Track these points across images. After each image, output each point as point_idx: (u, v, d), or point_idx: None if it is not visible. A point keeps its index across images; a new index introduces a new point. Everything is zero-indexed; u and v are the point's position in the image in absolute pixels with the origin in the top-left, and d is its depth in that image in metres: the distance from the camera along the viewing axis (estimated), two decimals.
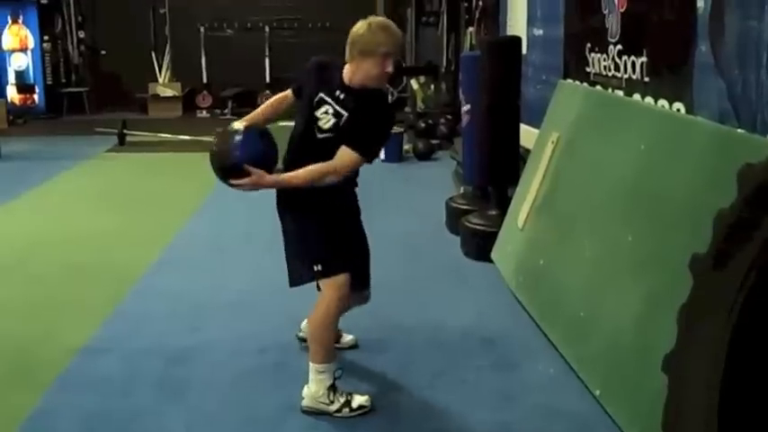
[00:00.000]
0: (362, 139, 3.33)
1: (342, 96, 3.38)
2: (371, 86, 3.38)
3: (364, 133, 3.35)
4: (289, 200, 3.50)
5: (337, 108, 3.37)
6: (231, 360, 4.00)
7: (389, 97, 3.65)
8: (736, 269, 2.00)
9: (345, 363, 3.82)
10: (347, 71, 3.39)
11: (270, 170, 3.39)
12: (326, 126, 3.38)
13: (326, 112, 3.39)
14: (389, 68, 3.33)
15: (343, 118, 3.36)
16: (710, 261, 2.07)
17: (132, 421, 3.42)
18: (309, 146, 3.41)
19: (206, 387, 3.72)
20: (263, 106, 3.75)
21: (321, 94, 3.41)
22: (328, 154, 3.32)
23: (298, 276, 3.59)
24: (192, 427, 3.39)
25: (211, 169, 3.47)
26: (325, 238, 3.45)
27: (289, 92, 3.66)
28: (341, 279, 3.42)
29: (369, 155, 3.37)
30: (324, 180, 3.32)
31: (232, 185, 3.39)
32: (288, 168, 3.40)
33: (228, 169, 3.39)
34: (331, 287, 3.42)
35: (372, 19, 3.39)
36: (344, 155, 3.31)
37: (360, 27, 3.34)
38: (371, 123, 3.39)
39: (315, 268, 3.43)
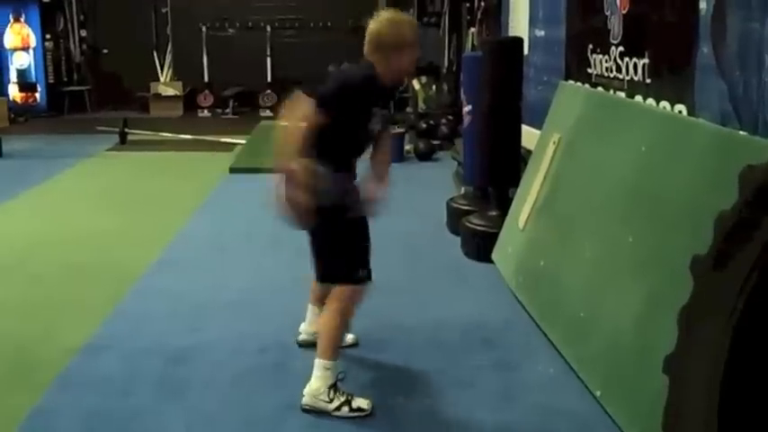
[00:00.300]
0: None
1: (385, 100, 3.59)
2: (402, 77, 3.49)
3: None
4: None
5: (384, 111, 3.55)
6: (231, 360, 4.00)
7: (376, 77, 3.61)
8: (736, 270, 2.00)
9: (346, 361, 3.82)
10: (383, 72, 3.43)
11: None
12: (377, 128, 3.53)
13: (377, 120, 3.51)
14: (417, 54, 3.49)
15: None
16: (711, 262, 2.07)
17: (132, 421, 3.42)
18: (363, 147, 3.58)
19: (206, 387, 3.72)
20: (298, 140, 3.26)
21: (374, 108, 3.49)
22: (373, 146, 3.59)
23: (331, 275, 3.59)
24: (192, 426, 3.39)
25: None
26: (356, 239, 3.51)
27: (308, 108, 3.27)
28: (367, 285, 3.51)
29: (316, 96, 3.28)
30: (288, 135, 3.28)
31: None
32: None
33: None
34: (355, 289, 3.48)
35: (385, 15, 3.48)
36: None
37: (381, 26, 3.41)
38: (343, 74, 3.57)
39: (359, 273, 3.48)
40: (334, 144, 3.37)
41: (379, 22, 3.41)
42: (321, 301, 3.92)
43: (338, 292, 3.50)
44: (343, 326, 3.52)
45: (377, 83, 3.44)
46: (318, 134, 3.27)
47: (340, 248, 3.53)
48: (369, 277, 3.51)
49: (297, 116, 3.26)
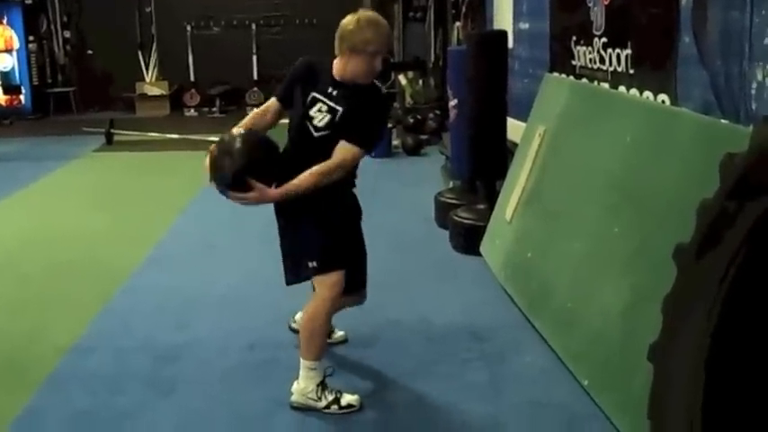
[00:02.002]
0: (360, 132, 3.34)
1: (334, 93, 3.38)
2: (361, 82, 3.38)
3: (362, 125, 3.34)
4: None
5: (330, 104, 3.37)
6: (220, 357, 4.00)
7: (382, 88, 3.62)
8: (719, 258, 2.01)
9: (335, 358, 3.84)
10: (337, 65, 3.39)
11: (273, 177, 3.33)
12: (321, 124, 3.37)
13: (320, 110, 3.38)
14: (378, 66, 3.35)
15: (338, 113, 3.35)
16: (694, 251, 2.09)
17: (122, 419, 3.42)
18: (307, 146, 3.41)
19: (195, 384, 3.72)
20: (246, 120, 3.58)
21: (313, 93, 3.40)
22: (327, 152, 3.32)
23: (293, 274, 3.59)
24: (182, 424, 3.39)
25: (210, 178, 3.36)
26: (320, 235, 3.43)
27: (271, 102, 3.59)
28: (335, 278, 3.42)
29: (368, 146, 3.38)
30: (331, 178, 3.30)
31: (233, 198, 3.32)
32: (288, 170, 3.35)
33: (231, 180, 3.28)
34: (324, 286, 3.42)
35: (361, 14, 3.38)
36: (344, 150, 3.31)
37: (349, 22, 3.33)
38: (368, 115, 3.39)
39: (310, 265, 3.42)
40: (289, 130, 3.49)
41: (350, 17, 3.36)
42: None
43: (316, 294, 3.47)
44: (323, 325, 3.46)
45: (317, 69, 3.45)
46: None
47: (290, 246, 3.53)
48: (331, 266, 3.40)
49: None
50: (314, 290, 3.49)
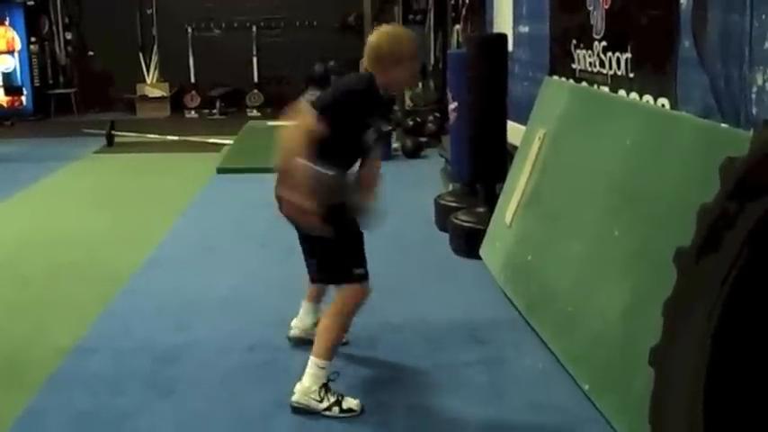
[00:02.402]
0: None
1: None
2: (401, 89, 3.54)
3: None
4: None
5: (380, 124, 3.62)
6: (220, 358, 4.00)
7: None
8: (719, 262, 2.02)
9: (336, 360, 3.83)
10: (381, 84, 3.46)
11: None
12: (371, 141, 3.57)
13: (374, 131, 3.57)
14: (417, 68, 3.56)
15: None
16: (694, 254, 2.09)
17: (122, 420, 3.42)
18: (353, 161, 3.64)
19: (195, 385, 3.73)
20: (299, 142, 3.27)
21: (371, 120, 3.53)
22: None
23: (328, 275, 3.63)
24: (182, 425, 3.39)
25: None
26: (353, 240, 3.52)
27: (310, 118, 3.29)
28: (367, 284, 3.51)
29: (317, 108, 3.32)
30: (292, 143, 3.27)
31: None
32: None
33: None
34: (355, 289, 3.48)
35: (385, 28, 3.58)
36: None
37: (381, 41, 3.47)
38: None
39: (356, 271, 3.49)
40: (330, 153, 3.34)
41: (378, 34, 3.49)
42: (317, 299, 3.94)
43: (339, 295, 3.52)
44: (344, 328, 3.54)
45: (375, 94, 3.48)
46: (317, 143, 3.28)
47: (335, 247, 3.52)
48: (365, 276, 3.51)
49: (298, 122, 3.28)
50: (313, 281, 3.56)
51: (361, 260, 3.53)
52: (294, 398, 3.44)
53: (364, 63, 3.53)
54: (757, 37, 3.11)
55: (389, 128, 3.49)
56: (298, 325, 4.03)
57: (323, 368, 3.43)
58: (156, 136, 10.89)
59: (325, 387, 3.43)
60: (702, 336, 2.02)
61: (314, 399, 3.41)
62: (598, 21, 4.80)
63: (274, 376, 3.75)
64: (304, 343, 3.81)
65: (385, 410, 3.49)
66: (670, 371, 2.15)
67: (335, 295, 3.56)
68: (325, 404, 3.41)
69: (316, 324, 3.77)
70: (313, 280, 3.82)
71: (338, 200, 3.38)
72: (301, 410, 3.41)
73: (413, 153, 9.70)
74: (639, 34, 4.28)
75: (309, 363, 3.45)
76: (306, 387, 3.43)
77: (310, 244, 3.59)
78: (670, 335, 2.15)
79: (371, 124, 3.52)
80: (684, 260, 2.12)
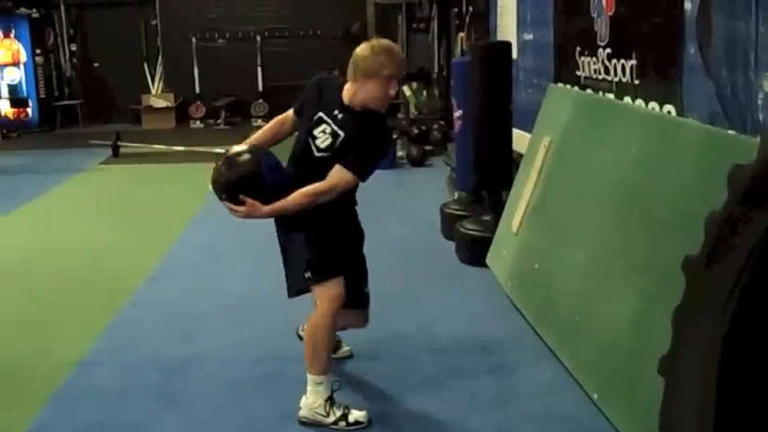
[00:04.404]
0: (357, 160, 3.33)
1: (340, 116, 3.39)
2: (373, 108, 3.39)
3: (360, 154, 3.34)
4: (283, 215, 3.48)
5: (334, 128, 3.38)
6: (227, 369, 4.00)
7: (386, 119, 3.64)
8: (728, 270, 2.01)
9: (342, 371, 3.83)
10: (347, 91, 3.40)
11: (270, 194, 3.33)
12: (323, 145, 3.39)
13: (324, 131, 3.40)
14: (392, 91, 3.38)
15: (340, 138, 3.36)
16: (703, 262, 2.08)
17: None
18: (308, 163, 3.42)
19: (202, 397, 3.72)
20: (261, 131, 3.73)
21: (320, 114, 3.42)
22: (325, 173, 3.33)
23: (293, 287, 3.59)
24: None
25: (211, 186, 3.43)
26: (314, 246, 3.45)
27: (289, 112, 3.65)
28: (334, 291, 3.40)
29: (362, 175, 3.37)
30: (316, 202, 3.31)
31: (226, 207, 3.39)
32: (287, 186, 3.37)
33: (224, 191, 3.36)
34: (324, 298, 3.41)
35: (376, 42, 3.42)
36: (338, 174, 3.31)
37: (363, 49, 3.37)
38: (368, 144, 3.38)
39: (306, 275, 3.43)
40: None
41: (365, 44, 3.40)
42: None
43: (317, 310, 3.45)
44: (326, 339, 3.43)
45: (328, 89, 3.47)
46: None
47: (289, 258, 3.54)
48: (328, 275, 3.41)
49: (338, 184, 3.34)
50: (315, 304, 3.49)
51: (321, 262, 3.44)
52: (301, 413, 3.43)
53: (348, 74, 3.42)
54: (763, 43, 3.10)
55: (352, 141, 3.39)
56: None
57: (320, 383, 3.41)
58: (162, 146, 10.90)
59: (330, 401, 3.42)
60: (713, 344, 2.01)
61: (320, 414, 3.40)
62: (602, 27, 4.80)
63: (281, 387, 3.74)
64: None
65: (392, 421, 3.48)
66: (680, 380, 2.14)
67: (314, 310, 3.46)
68: (331, 419, 3.40)
69: None
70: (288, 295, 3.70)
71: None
72: (309, 424, 3.41)
73: (418, 161, 9.70)
74: (644, 41, 4.27)
75: (308, 380, 3.44)
76: (310, 403, 3.42)
77: (285, 255, 3.61)
78: (680, 344, 2.14)
79: (317, 120, 3.47)
80: (693, 268, 2.11)
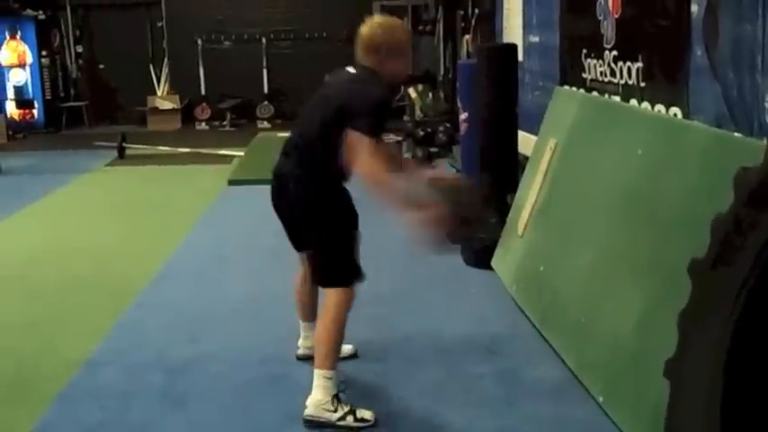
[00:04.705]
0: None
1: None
2: (397, 82, 3.45)
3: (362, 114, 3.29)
4: (298, 197, 3.47)
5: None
6: (232, 371, 4.00)
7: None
8: (734, 273, 2.00)
9: (346, 372, 3.82)
10: (381, 76, 3.42)
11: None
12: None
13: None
14: (411, 58, 3.52)
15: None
16: (709, 265, 2.08)
17: None
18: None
19: (207, 398, 3.72)
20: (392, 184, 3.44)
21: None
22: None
23: (327, 279, 3.55)
24: None
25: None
26: (330, 258, 3.49)
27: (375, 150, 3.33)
28: (349, 292, 3.48)
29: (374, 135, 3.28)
30: (380, 179, 3.26)
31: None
32: None
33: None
34: (347, 292, 3.46)
35: (377, 20, 3.49)
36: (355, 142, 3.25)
37: (374, 31, 3.41)
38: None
39: (351, 278, 3.47)
40: (340, 165, 3.36)
41: (371, 26, 3.41)
42: (311, 317, 3.90)
43: (330, 301, 3.47)
44: (339, 334, 3.47)
45: (389, 94, 3.51)
46: (331, 158, 3.32)
47: (335, 252, 3.52)
48: (359, 279, 3.50)
49: (372, 163, 3.23)
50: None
51: (356, 264, 3.51)
52: (307, 411, 3.42)
53: (358, 57, 3.44)
54: None
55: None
56: (302, 344, 4.02)
57: (329, 378, 3.42)
58: (168, 148, 10.92)
59: (337, 397, 3.42)
60: (719, 347, 2.00)
61: (327, 410, 3.40)
62: (608, 30, 4.79)
63: (286, 389, 3.74)
64: (312, 359, 3.80)
65: (398, 422, 3.47)
66: (686, 383, 2.13)
67: (326, 302, 3.50)
68: (339, 413, 3.39)
69: None
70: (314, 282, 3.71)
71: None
72: (314, 424, 3.40)
73: (423, 164, 9.68)
74: (651, 43, 4.26)
75: (315, 376, 3.44)
76: (318, 399, 3.41)
77: (313, 248, 3.58)
78: (686, 347, 2.13)
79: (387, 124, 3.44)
80: (699, 271, 2.10)
